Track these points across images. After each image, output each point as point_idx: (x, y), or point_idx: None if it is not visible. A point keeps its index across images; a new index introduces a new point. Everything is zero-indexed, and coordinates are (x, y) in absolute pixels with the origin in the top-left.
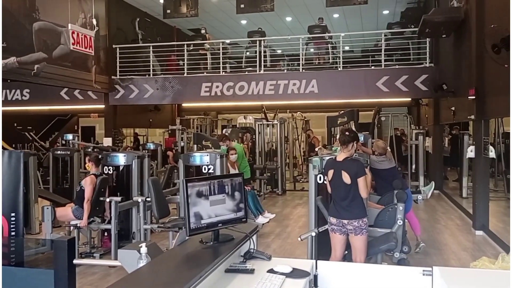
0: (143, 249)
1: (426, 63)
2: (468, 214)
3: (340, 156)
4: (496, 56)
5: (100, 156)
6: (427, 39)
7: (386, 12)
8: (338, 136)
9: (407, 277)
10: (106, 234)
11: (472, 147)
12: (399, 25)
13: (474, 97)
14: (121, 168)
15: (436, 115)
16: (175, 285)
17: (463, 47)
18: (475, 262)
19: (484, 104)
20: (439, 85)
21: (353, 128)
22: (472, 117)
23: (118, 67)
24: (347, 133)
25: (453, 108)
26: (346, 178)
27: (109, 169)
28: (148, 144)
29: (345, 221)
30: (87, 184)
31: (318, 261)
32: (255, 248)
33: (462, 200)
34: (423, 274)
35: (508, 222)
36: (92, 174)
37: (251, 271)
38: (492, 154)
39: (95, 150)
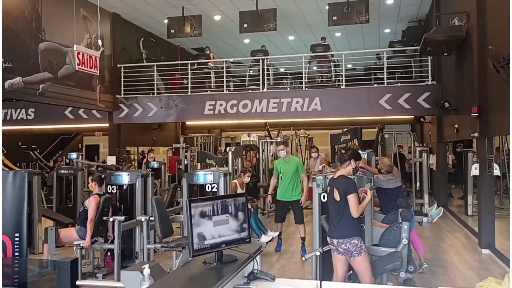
0: (146, 271)
1: (428, 81)
2: (474, 233)
3: (337, 174)
4: (503, 74)
5: (103, 176)
6: (429, 57)
7: (387, 30)
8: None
9: None
10: (109, 254)
11: (476, 165)
12: (400, 43)
13: (476, 114)
14: (124, 187)
15: (439, 133)
16: None
17: (465, 65)
18: (481, 283)
19: (487, 122)
20: (442, 102)
21: (357, 145)
22: (476, 134)
23: (122, 86)
24: (343, 151)
25: (456, 126)
26: (336, 195)
27: (112, 188)
28: (151, 162)
29: (335, 241)
30: (91, 204)
31: (323, 282)
32: (259, 269)
33: (467, 218)
34: None
35: None
36: (96, 193)
37: None
38: (496, 171)
39: (99, 169)
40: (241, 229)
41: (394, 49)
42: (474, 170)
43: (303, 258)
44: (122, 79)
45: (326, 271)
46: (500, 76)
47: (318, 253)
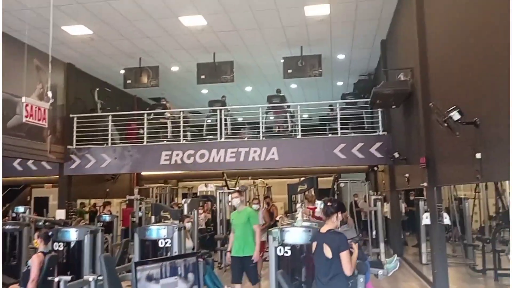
0: None
1: (379, 131)
2: (429, 282)
3: (324, 228)
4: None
5: (50, 232)
6: (379, 109)
7: (340, 83)
8: (321, 207)
9: None
10: None
11: (427, 214)
12: (352, 95)
13: (425, 165)
14: (72, 244)
15: (392, 181)
16: None
17: (412, 117)
18: None
19: (435, 172)
20: (392, 153)
21: (314, 195)
22: (425, 184)
23: (75, 136)
24: (329, 203)
25: (407, 175)
26: (327, 251)
27: (59, 245)
28: (103, 216)
29: None
30: (33, 264)
31: None
32: None
33: (422, 267)
34: None
35: None
36: (40, 251)
37: None
38: (446, 220)
39: (46, 224)
40: None
41: (347, 101)
42: (426, 219)
43: None
44: (75, 129)
45: None
46: (444, 130)
47: None
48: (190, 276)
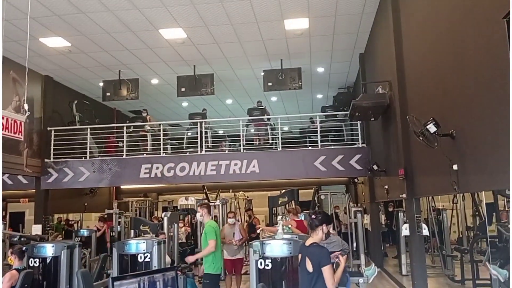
0: None
1: (359, 143)
2: None
3: (308, 241)
4: (424, 140)
5: (24, 248)
6: (358, 121)
7: (319, 96)
8: (307, 221)
9: None
10: None
11: (406, 225)
12: (332, 108)
13: (403, 176)
14: (48, 260)
15: (371, 193)
16: None
17: (390, 129)
18: None
19: (413, 184)
20: (371, 165)
21: (298, 207)
22: (404, 195)
23: (52, 149)
24: (313, 216)
25: (386, 187)
26: (309, 265)
27: (35, 262)
28: (81, 230)
29: None
30: (5, 281)
31: None
32: None
33: (402, 278)
34: None
35: None
36: (14, 269)
37: None
38: (425, 231)
39: (22, 239)
40: None
41: (326, 113)
42: (405, 230)
43: None
44: (52, 142)
45: None
46: (421, 141)
47: None
48: None
